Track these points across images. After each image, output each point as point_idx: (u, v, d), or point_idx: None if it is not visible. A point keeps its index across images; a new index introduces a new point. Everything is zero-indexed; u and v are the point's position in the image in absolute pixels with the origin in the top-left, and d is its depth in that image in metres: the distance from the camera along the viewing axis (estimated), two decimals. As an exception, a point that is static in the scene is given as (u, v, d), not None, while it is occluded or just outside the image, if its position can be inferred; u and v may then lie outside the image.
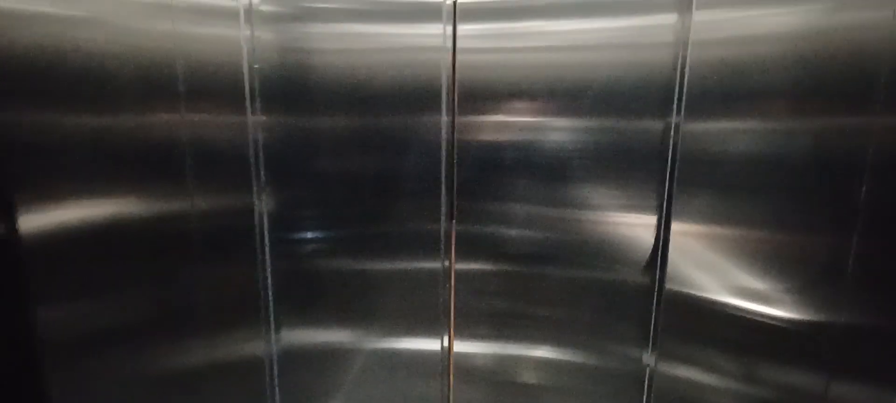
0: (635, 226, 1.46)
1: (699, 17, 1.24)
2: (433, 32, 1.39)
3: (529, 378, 1.66)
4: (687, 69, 1.26)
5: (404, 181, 1.52)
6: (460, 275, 1.59)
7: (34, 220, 1.36)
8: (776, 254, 1.33)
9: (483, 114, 1.43)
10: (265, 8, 1.39)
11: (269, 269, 1.56)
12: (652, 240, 1.45)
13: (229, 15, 1.36)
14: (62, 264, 1.41)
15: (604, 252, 1.49)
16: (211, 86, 1.38)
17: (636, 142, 1.38)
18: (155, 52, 1.32)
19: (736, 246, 1.37)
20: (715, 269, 1.40)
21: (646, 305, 1.51)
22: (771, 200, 1.31)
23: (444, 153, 1.47)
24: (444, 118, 1.44)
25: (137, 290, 1.48)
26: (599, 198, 1.45)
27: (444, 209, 1.52)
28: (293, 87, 1.44)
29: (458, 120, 1.44)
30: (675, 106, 1.31)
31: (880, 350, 1.29)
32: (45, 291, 1.42)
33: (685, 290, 1.44)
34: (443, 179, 1.49)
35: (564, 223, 1.50)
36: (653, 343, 1.52)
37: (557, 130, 1.42)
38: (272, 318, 1.60)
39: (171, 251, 1.47)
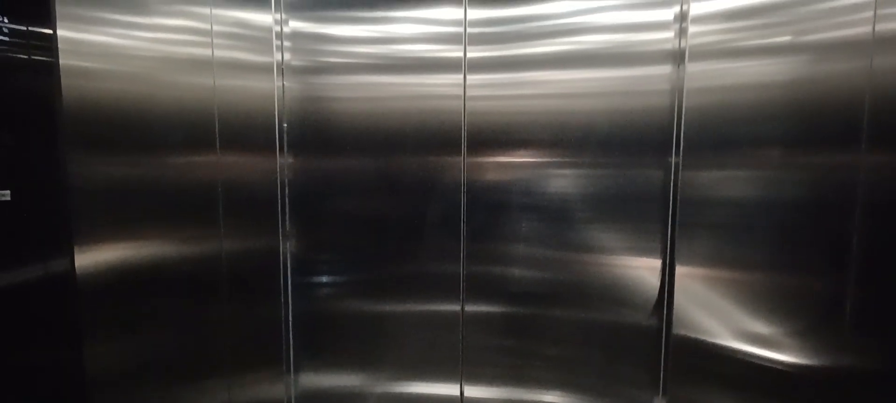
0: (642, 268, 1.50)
1: (692, 68, 1.33)
2: (454, 81, 1.52)
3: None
4: (684, 112, 1.34)
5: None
6: (474, 318, 1.63)
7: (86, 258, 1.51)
8: (788, 296, 1.35)
9: (491, 156, 1.52)
10: (296, 62, 1.55)
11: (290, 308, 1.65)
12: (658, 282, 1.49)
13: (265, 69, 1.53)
14: (104, 300, 1.54)
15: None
16: (246, 132, 1.54)
17: (638, 183, 1.45)
18: (196, 102, 1.49)
19: (741, 288, 1.39)
20: (722, 312, 1.41)
21: (654, 349, 1.52)
22: (771, 241, 1.34)
23: (463, 194, 1.56)
24: (464, 159, 1.54)
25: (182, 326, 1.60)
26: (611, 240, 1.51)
27: (463, 251, 1.59)
28: (322, 134, 1.58)
29: (469, 161, 1.53)
30: (673, 146, 1.39)
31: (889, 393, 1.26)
32: (91, 325, 1.54)
33: (693, 335, 1.45)
34: (462, 219, 1.57)
35: (572, 264, 1.55)
36: (663, 389, 1.51)
37: (562, 173, 1.51)
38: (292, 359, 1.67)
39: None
